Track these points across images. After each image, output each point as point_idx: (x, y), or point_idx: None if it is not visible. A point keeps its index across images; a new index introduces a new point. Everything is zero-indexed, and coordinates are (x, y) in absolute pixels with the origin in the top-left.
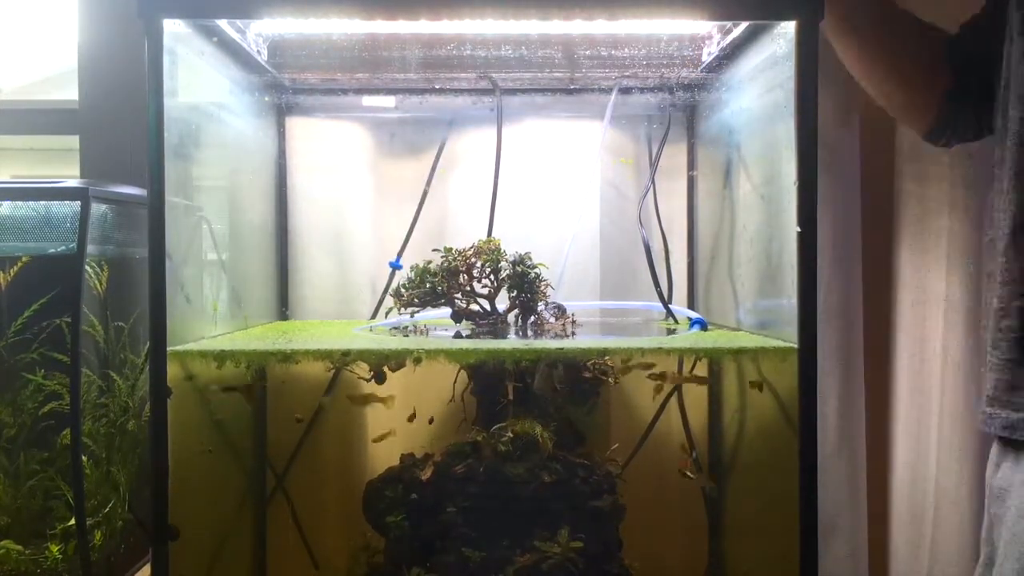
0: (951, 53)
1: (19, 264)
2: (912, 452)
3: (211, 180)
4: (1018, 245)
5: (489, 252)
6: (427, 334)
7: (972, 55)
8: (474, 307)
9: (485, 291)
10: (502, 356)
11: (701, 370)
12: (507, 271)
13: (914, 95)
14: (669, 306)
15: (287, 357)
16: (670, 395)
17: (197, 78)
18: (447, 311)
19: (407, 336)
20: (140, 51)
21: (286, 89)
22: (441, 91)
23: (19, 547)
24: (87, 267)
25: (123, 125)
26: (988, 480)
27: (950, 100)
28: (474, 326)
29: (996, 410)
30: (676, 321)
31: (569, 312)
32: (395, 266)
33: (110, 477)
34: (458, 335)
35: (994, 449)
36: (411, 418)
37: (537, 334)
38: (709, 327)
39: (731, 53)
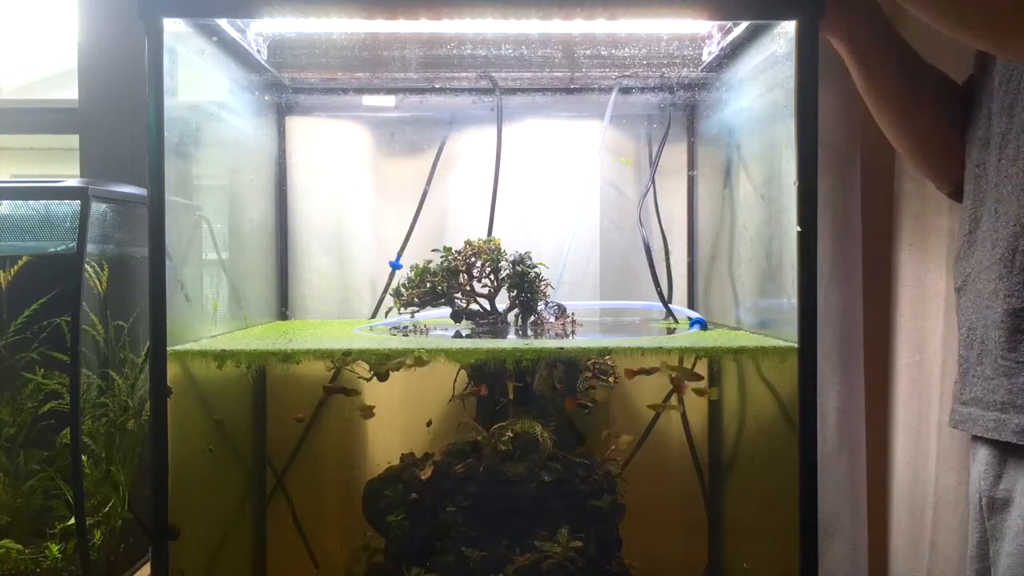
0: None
1: (19, 263)
2: (912, 451)
3: (211, 179)
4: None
5: (489, 252)
6: (427, 334)
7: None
8: (474, 307)
9: (485, 291)
10: (502, 356)
11: (701, 369)
12: (507, 271)
13: (936, 149)
14: (669, 305)
15: (288, 357)
16: (669, 394)
17: (197, 77)
18: (447, 311)
19: (407, 336)
20: (140, 50)
21: (286, 88)
22: (441, 90)
23: (19, 546)
24: (87, 266)
25: (123, 124)
26: (981, 491)
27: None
28: (474, 326)
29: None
30: (676, 321)
31: (569, 312)
32: (395, 266)
33: (110, 476)
34: (458, 335)
35: (987, 458)
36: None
37: (537, 334)
38: (709, 327)
39: (731, 53)
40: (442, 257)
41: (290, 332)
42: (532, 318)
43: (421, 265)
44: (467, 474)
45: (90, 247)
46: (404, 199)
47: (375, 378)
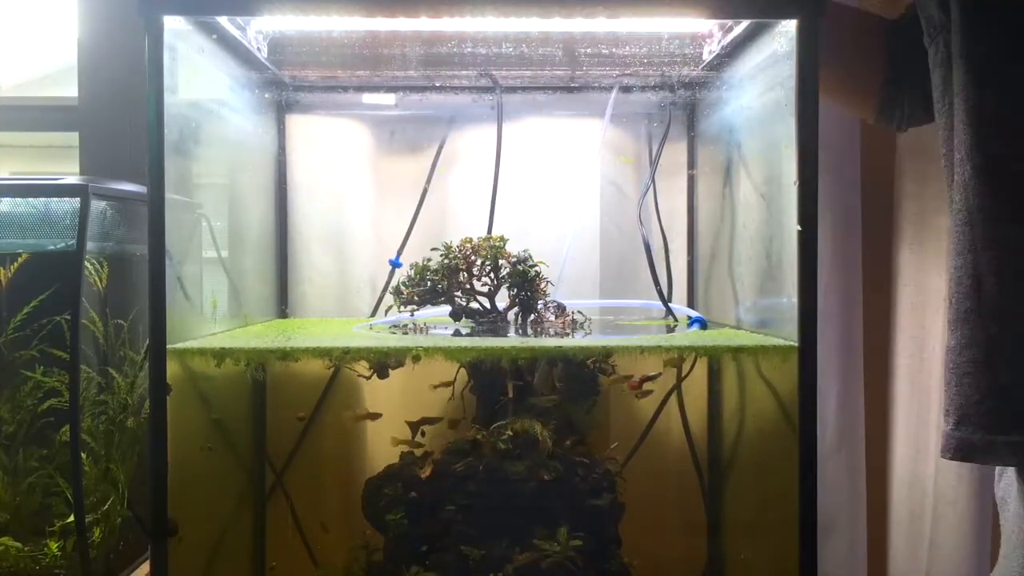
0: (888, 41)
1: (19, 261)
2: (911, 450)
3: (211, 177)
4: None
5: (489, 249)
6: (427, 332)
7: (909, 44)
8: (474, 305)
9: (485, 289)
10: (501, 354)
11: (701, 368)
12: (507, 269)
13: (853, 84)
14: (669, 304)
15: (287, 355)
16: (669, 393)
17: (197, 75)
18: (447, 309)
19: (407, 334)
20: (140, 48)
21: (286, 86)
22: (441, 89)
23: (18, 544)
24: (87, 264)
25: (123, 122)
26: (995, 488)
27: (891, 86)
28: (474, 324)
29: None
30: (676, 319)
31: (569, 310)
32: (395, 264)
33: (109, 474)
34: (457, 333)
35: None
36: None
37: (537, 332)
38: (709, 325)
39: (732, 51)
40: (442, 255)
41: (289, 330)
42: (532, 316)
43: (421, 263)
44: (466, 473)
45: (90, 245)
46: (404, 197)
47: (375, 376)
